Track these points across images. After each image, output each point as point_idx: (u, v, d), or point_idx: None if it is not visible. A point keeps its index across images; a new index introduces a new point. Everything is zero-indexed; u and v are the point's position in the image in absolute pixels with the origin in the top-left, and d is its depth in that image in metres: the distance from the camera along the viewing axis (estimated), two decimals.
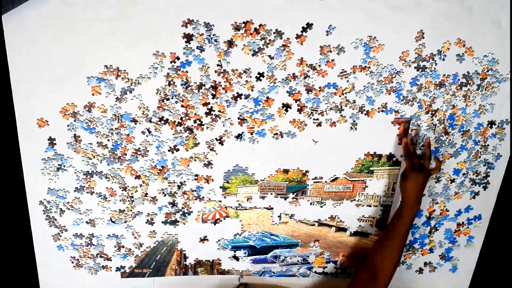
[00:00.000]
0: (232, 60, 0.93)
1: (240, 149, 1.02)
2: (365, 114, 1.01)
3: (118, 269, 1.14)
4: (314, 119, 1.01)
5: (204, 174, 1.04)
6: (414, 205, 1.00)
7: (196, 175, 1.04)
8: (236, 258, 1.16)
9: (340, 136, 1.02)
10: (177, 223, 1.09)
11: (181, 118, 0.98)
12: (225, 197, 1.07)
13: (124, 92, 0.94)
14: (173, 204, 1.06)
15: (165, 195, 1.05)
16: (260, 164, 1.04)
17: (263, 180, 1.06)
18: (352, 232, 1.15)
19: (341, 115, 1.00)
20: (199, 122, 0.98)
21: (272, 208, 1.10)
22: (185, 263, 1.15)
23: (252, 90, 0.97)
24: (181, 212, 1.08)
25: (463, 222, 1.18)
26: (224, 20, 0.90)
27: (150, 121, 0.97)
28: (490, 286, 1.31)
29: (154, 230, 1.09)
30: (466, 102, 1.03)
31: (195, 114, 0.98)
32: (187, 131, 0.99)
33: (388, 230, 1.03)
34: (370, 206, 1.12)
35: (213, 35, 0.91)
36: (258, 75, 0.95)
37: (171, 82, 0.94)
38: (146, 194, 1.05)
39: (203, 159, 1.02)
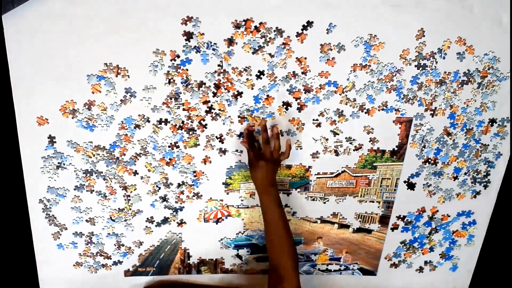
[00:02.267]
0: (232, 58, 0.93)
1: (241, 146, 1.02)
2: (365, 113, 1.01)
3: (115, 264, 1.13)
4: (313, 120, 1.01)
5: (204, 169, 1.04)
6: (267, 189, 0.96)
7: (194, 171, 1.04)
8: (239, 257, 1.16)
9: (343, 131, 1.03)
10: (184, 223, 1.09)
11: (183, 122, 0.98)
12: (227, 194, 1.07)
13: (131, 95, 0.94)
14: (168, 204, 1.06)
15: (162, 194, 1.05)
16: None
17: None
18: (355, 229, 1.15)
19: (341, 114, 1.01)
20: (202, 123, 0.98)
21: None
22: (188, 262, 1.15)
23: (252, 89, 0.96)
24: (182, 211, 1.08)
25: (458, 229, 1.19)
26: (225, 18, 0.89)
27: (148, 121, 0.97)
28: (491, 285, 1.31)
29: (151, 226, 1.09)
30: (467, 103, 1.03)
31: (197, 115, 0.97)
32: (190, 131, 0.99)
33: (265, 225, 0.98)
34: (373, 202, 1.12)
35: (214, 43, 0.91)
36: (258, 73, 0.95)
37: (171, 80, 0.94)
38: (137, 194, 1.04)
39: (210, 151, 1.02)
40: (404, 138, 1.05)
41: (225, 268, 1.17)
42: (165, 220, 1.09)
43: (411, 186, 1.11)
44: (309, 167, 1.06)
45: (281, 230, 0.95)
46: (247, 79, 0.95)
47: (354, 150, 1.05)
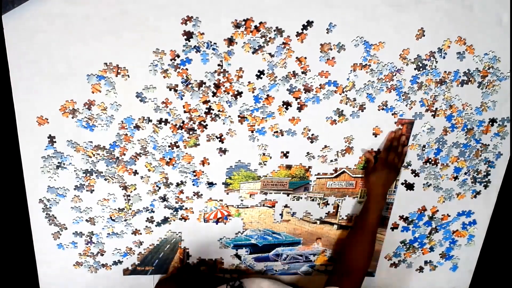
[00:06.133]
0: (232, 58, 0.93)
1: (241, 145, 1.02)
2: (365, 112, 1.01)
3: (115, 264, 1.13)
4: (313, 120, 1.01)
5: (203, 169, 1.04)
6: (381, 200, 1.02)
7: (194, 171, 1.04)
8: (238, 257, 1.16)
9: (343, 132, 1.03)
10: (183, 221, 1.10)
11: (183, 122, 0.98)
12: (227, 194, 1.07)
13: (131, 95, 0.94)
14: (168, 203, 1.07)
15: (162, 194, 1.05)
16: (263, 160, 1.04)
17: (266, 176, 1.06)
18: None
19: (341, 114, 1.01)
20: (202, 123, 0.98)
21: (274, 206, 1.10)
22: (187, 261, 1.15)
23: (254, 91, 0.96)
24: (181, 210, 1.08)
25: (458, 229, 1.19)
26: (225, 17, 0.89)
27: (149, 121, 0.97)
28: (491, 285, 1.31)
29: (152, 226, 1.09)
30: (464, 106, 1.03)
31: (199, 116, 0.97)
32: (190, 131, 0.99)
33: (357, 226, 1.05)
34: None
35: (214, 43, 0.91)
36: (258, 73, 0.95)
37: (171, 80, 0.94)
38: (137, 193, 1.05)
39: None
40: (405, 140, 1.04)
41: (224, 268, 1.17)
42: (165, 220, 1.09)
43: (410, 186, 1.11)
44: (309, 167, 1.06)
45: (369, 238, 1.02)
46: (249, 82, 0.95)
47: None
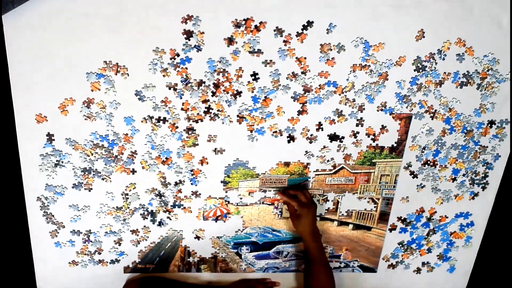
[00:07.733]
0: (232, 57, 0.93)
1: (240, 143, 1.02)
2: (364, 112, 1.01)
3: (112, 263, 1.13)
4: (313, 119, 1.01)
5: (202, 168, 1.04)
6: (313, 237, 1.04)
7: (192, 170, 1.03)
8: (239, 255, 1.16)
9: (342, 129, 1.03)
10: (183, 220, 1.09)
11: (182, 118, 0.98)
12: (226, 192, 1.07)
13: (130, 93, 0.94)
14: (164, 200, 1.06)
15: (160, 193, 1.05)
16: (261, 157, 1.04)
17: (264, 174, 1.06)
18: (355, 226, 1.15)
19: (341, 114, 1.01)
20: (201, 122, 0.98)
21: (273, 204, 1.10)
22: (188, 259, 1.15)
23: (253, 91, 0.96)
24: (179, 208, 1.08)
25: (456, 231, 1.19)
26: (225, 17, 0.89)
27: (147, 120, 0.97)
28: (488, 287, 1.31)
29: (150, 224, 1.09)
30: (463, 107, 1.03)
31: (197, 114, 0.97)
32: (189, 131, 0.99)
33: (309, 263, 1.07)
34: (372, 198, 1.12)
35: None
36: (257, 73, 0.95)
37: (170, 79, 0.94)
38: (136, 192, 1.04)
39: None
40: (403, 134, 1.05)
41: (225, 267, 1.17)
42: (164, 219, 1.08)
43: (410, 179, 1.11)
44: (308, 164, 1.06)
45: (324, 269, 1.05)
46: (249, 81, 0.95)
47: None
